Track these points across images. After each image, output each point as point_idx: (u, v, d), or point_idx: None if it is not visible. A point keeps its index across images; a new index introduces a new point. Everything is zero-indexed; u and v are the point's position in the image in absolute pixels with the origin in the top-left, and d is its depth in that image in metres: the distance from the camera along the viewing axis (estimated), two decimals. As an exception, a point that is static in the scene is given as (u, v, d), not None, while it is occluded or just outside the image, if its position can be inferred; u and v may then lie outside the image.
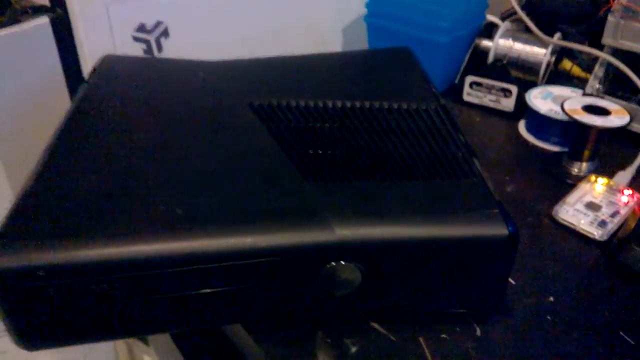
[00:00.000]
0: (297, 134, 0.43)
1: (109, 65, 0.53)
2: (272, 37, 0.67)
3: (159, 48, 0.59)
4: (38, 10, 0.57)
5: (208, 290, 0.34)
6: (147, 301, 0.34)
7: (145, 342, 0.75)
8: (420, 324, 0.39)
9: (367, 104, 0.46)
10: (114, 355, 0.75)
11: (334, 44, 0.75)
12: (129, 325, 0.35)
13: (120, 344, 0.77)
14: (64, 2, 0.54)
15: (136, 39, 0.57)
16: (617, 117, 0.53)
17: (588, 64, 0.72)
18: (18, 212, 0.34)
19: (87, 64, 0.55)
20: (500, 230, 0.35)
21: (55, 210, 0.35)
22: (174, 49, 0.60)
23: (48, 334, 0.34)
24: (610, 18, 0.59)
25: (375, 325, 0.39)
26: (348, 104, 0.46)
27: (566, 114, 0.54)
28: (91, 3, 0.53)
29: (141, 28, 0.57)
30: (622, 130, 0.54)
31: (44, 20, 0.53)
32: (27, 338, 0.34)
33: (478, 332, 0.39)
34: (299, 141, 0.42)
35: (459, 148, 0.42)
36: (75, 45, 0.55)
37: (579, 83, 0.71)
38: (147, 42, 0.58)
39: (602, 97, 0.58)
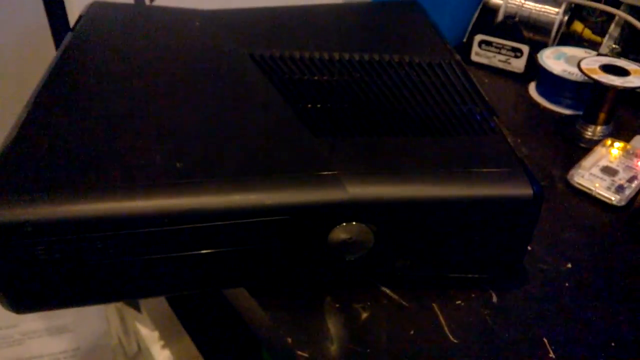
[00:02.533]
0: (303, 86, 0.40)
1: (97, 12, 0.49)
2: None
3: (151, -3, 0.55)
4: (20, -47, 0.52)
5: (209, 251, 0.32)
6: (143, 262, 0.31)
7: (138, 309, 0.73)
8: (433, 289, 0.37)
9: (376, 57, 0.43)
10: (106, 323, 0.73)
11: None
12: (124, 288, 0.33)
13: (111, 311, 0.75)
14: (48, -56, 0.50)
15: (127, -14, 0.53)
16: (637, 77, 0.50)
17: (601, 26, 0.69)
18: (1, 165, 0.31)
19: (74, 11, 0.51)
20: (524, 189, 0.33)
21: (42, 163, 0.32)
22: (167, -1, 0.56)
23: (37, 296, 0.31)
24: (630, -27, 0.56)
25: (387, 291, 0.37)
26: (356, 57, 0.43)
27: (584, 73, 0.51)
28: (77, -56, 0.49)
29: (132, -26, 0.53)
30: (636, 93, 0.51)
31: (26, -38, 0.49)
32: (15, 300, 0.31)
33: (494, 299, 0.37)
34: (305, 94, 0.39)
35: (477, 104, 0.39)
36: (61, -10, 0.51)
37: (589, 46, 0.68)
38: (138, -11, 0.54)
39: (618, 58, 0.56)
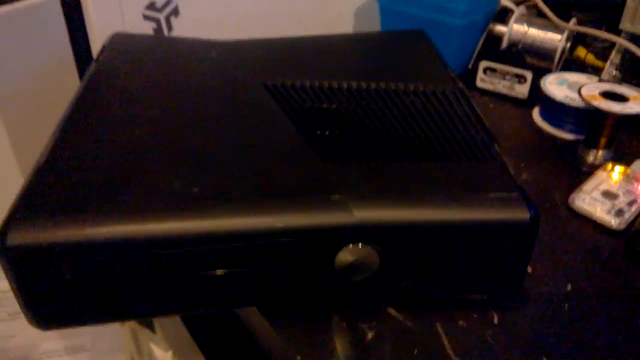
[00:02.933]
0: (313, 114, 0.42)
1: (119, 43, 0.52)
2: (284, 16, 0.66)
3: (169, 27, 0.58)
4: (46, -14, 0.55)
5: (223, 271, 0.34)
6: (160, 281, 0.33)
7: (152, 329, 0.75)
8: (437, 310, 0.38)
9: (383, 85, 0.45)
10: (122, 342, 0.75)
11: (346, 26, 0.73)
12: (142, 306, 0.34)
13: (126, 331, 0.76)
14: (73, -22, 0.53)
15: (146, 17, 0.56)
16: (636, 103, 0.52)
17: (603, 51, 0.71)
18: (30, 190, 0.34)
19: (97, 42, 0.54)
20: (521, 213, 0.34)
21: (68, 187, 0.34)
22: (184, 29, 0.59)
23: (61, 313, 0.33)
24: (629, 2, 0.58)
25: (392, 311, 0.38)
26: (364, 85, 0.45)
27: (583, 99, 0.53)
28: (101, -21, 0.52)
29: (151, 6, 0.56)
30: (638, 118, 0.53)
31: (52, -4, 0.52)
32: (41, 317, 0.33)
33: (495, 320, 0.38)
34: (315, 121, 0.41)
35: (478, 131, 0.41)
36: (85, 22, 0.54)
37: (593, 71, 0.70)
38: (157, 20, 0.57)
39: (619, 84, 0.57)
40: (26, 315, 0.34)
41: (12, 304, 0.63)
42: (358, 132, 0.40)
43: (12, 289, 0.32)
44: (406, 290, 0.37)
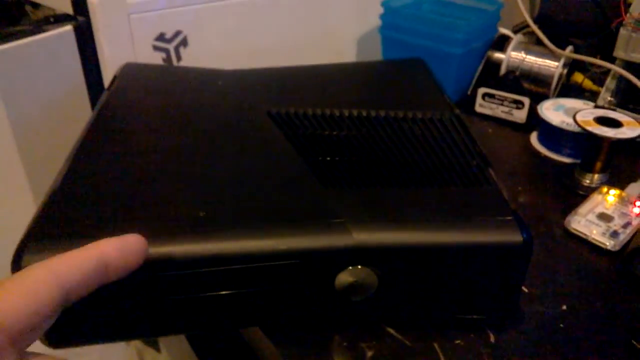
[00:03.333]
0: (314, 141, 0.44)
1: (130, 72, 0.54)
2: (289, 47, 0.69)
3: (178, 57, 0.60)
4: (60, 19, 0.58)
5: (227, 292, 0.35)
6: (167, 302, 0.35)
7: (157, 349, 0.76)
8: (434, 329, 0.39)
9: (382, 113, 0.47)
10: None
11: (349, 55, 0.76)
12: (150, 326, 0.36)
13: (131, 351, 0.78)
14: (87, 11, 0.55)
15: (156, 48, 0.59)
16: (629, 128, 0.54)
17: (600, 77, 0.72)
18: (44, 214, 0.35)
19: (108, 71, 0.56)
20: (514, 237, 0.36)
21: (81, 212, 0.36)
22: (192, 59, 0.61)
23: (72, 333, 0.35)
24: (622, 31, 0.60)
25: (391, 330, 0.39)
26: (364, 113, 0.47)
27: (578, 125, 0.54)
28: (113, 12, 0.55)
29: (161, 37, 0.59)
30: (634, 142, 0.54)
31: (67, 28, 0.54)
32: (52, 336, 0.35)
33: (492, 339, 0.39)
34: (316, 148, 0.43)
35: (474, 157, 0.42)
36: (97, 53, 0.56)
37: (590, 96, 0.72)
38: (166, 51, 0.59)
39: (614, 109, 0.59)
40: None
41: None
42: (358, 158, 0.42)
43: (27, 308, 0.34)
44: (404, 310, 0.38)
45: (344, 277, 0.36)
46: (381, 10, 0.70)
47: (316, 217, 0.36)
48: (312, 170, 0.40)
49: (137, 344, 0.77)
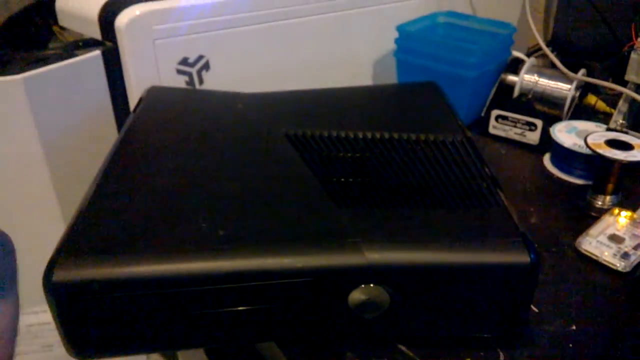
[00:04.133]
0: (330, 162, 0.45)
1: (155, 95, 0.56)
2: (306, 71, 0.71)
3: (200, 80, 0.63)
4: (89, 44, 0.61)
5: (244, 308, 0.37)
6: (188, 316, 0.36)
7: (175, 361, 0.77)
8: (445, 347, 0.40)
9: (395, 135, 0.48)
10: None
11: (366, 77, 0.78)
12: (171, 339, 0.38)
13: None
14: (114, 37, 0.58)
15: (179, 72, 0.61)
16: (640, 151, 0.54)
17: (612, 99, 0.73)
18: (73, 231, 0.38)
19: (134, 94, 0.59)
20: (522, 257, 0.37)
21: (108, 229, 0.38)
22: (214, 82, 0.64)
23: (98, 345, 0.37)
24: (633, 55, 0.61)
25: (402, 347, 0.41)
26: (377, 135, 0.48)
27: (589, 148, 0.55)
28: (140, 38, 0.57)
29: (184, 61, 0.61)
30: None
31: (96, 53, 0.57)
32: (80, 349, 0.37)
33: (502, 358, 0.40)
34: (331, 169, 0.44)
35: (484, 179, 0.44)
36: (124, 76, 0.59)
37: (603, 118, 0.73)
38: (189, 74, 0.62)
39: (625, 132, 0.60)
40: (66, 345, 0.37)
41: (46, 335, 0.66)
42: (371, 179, 0.44)
43: (55, 320, 0.36)
44: (415, 328, 0.40)
45: (357, 295, 0.37)
46: (396, 34, 0.71)
47: (330, 237, 0.38)
48: (327, 191, 0.42)
49: (156, 357, 0.79)
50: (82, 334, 0.36)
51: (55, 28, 0.73)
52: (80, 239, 0.37)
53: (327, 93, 0.58)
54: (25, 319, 0.66)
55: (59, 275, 0.34)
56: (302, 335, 0.40)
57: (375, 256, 0.37)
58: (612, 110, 0.69)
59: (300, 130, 0.49)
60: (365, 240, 0.37)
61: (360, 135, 0.49)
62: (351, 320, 0.38)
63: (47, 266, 0.35)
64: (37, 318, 0.66)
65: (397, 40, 0.72)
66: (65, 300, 0.34)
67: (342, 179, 0.44)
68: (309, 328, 0.39)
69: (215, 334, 0.38)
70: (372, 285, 0.37)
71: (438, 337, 0.41)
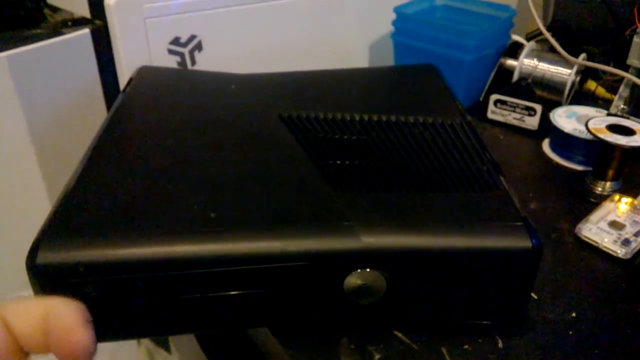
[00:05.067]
0: (325, 144, 0.44)
1: (145, 76, 0.55)
2: (302, 52, 0.69)
3: (193, 61, 0.61)
4: (78, 22, 0.59)
5: (236, 293, 0.35)
6: (178, 301, 0.35)
7: (168, 349, 0.76)
8: (442, 334, 0.39)
9: (393, 118, 0.47)
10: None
11: (360, 60, 0.76)
12: (160, 324, 0.36)
13: (142, 351, 0.78)
14: (104, 15, 0.56)
15: (171, 52, 0.59)
16: (642, 137, 0.53)
17: (613, 85, 0.72)
18: (59, 212, 0.36)
19: (124, 74, 0.57)
20: (523, 242, 0.36)
21: (95, 210, 0.36)
22: (206, 63, 0.62)
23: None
24: (635, 39, 0.60)
25: (399, 334, 0.40)
26: (374, 118, 0.47)
27: (590, 132, 0.54)
28: (130, 16, 0.56)
29: (176, 41, 0.59)
30: (647, 150, 0.54)
31: (85, 31, 0.55)
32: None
33: (500, 345, 0.39)
34: (327, 152, 0.43)
35: (484, 162, 0.42)
36: (113, 56, 0.57)
37: (603, 104, 0.72)
38: (181, 55, 0.60)
39: (626, 117, 0.59)
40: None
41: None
42: (368, 162, 0.42)
43: (40, 305, 0.34)
44: (412, 314, 0.38)
45: (353, 280, 0.36)
46: (393, 16, 0.70)
47: (326, 220, 0.37)
48: (322, 174, 0.41)
49: (148, 344, 0.77)
50: (68, 319, 0.35)
51: (46, 11, 0.71)
52: (66, 220, 0.35)
53: (323, 75, 0.57)
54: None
55: (43, 257, 0.33)
56: (296, 321, 0.39)
57: (371, 240, 0.35)
58: (612, 97, 0.68)
59: (295, 112, 0.48)
60: (361, 223, 0.36)
61: (357, 117, 0.47)
62: (346, 306, 0.37)
63: (31, 247, 0.33)
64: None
65: (394, 22, 0.70)
66: (49, 283, 0.33)
67: (338, 162, 0.42)
68: (302, 314, 0.38)
69: (206, 320, 0.37)
70: (368, 270, 0.36)
71: (435, 324, 0.40)
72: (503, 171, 0.42)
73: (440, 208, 0.38)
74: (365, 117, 0.47)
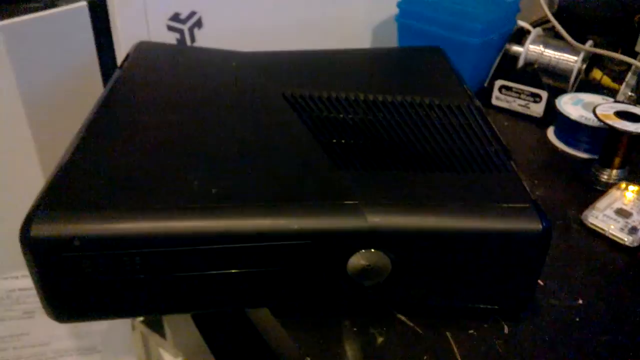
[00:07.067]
0: (330, 123, 0.43)
1: (143, 51, 0.53)
2: (304, 31, 0.68)
3: (192, 38, 0.60)
4: (76, -4, 0.58)
5: (237, 271, 0.34)
6: (176, 278, 0.34)
7: (162, 335, 0.76)
8: (447, 318, 0.38)
9: (399, 98, 0.46)
10: (132, 345, 0.75)
11: (364, 42, 0.75)
12: (157, 302, 0.35)
13: (137, 336, 0.77)
14: (102, -12, 0.55)
15: (170, 28, 0.58)
16: (651, 124, 0.52)
17: (619, 74, 0.71)
18: (53, 185, 0.35)
19: (121, 50, 0.56)
20: (533, 224, 0.35)
21: (91, 183, 0.35)
22: (206, 40, 0.60)
23: (78, 307, 0.34)
24: (645, 26, 0.59)
25: (402, 317, 0.39)
26: (380, 98, 0.46)
27: (598, 118, 0.53)
28: (128, -10, 0.54)
29: (175, 17, 0.58)
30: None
31: (82, 4, 0.54)
32: (58, 309, 0.34)
33: (506, 330, 0.38)
34: (331, 131, 0.42)
35: (493, 145, 0.41)
36: (111, 30, 0.55)
37: (608, 93, 0.70)
38: (180, 31, 0.59)
39: (634, 105, 0.58)
40: (45, 307, 0.34)
41: (28, 302, 0.64)
42: (373, 142, 0.41)
43: (33, 279, 0.33)
44: (417, 297, 0.37)
45: (357, 261, 0.35)
46: (397, -3, 0.68)
47: (330, 198, 0.35)
48: (326, 152, 0.39)
49: (142, 329, 0.76)
50: (62, 295, 0.34)
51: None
52: (61, 193, 0.34)
53: (327, 54, 0.55)
54: (6, 284, 0.64)
55: (37, 230, 0.31)
56: (297, 302, 0.38)
57: (377, 219, 0.34)
58: (618, 86, 0.67)
59: (298, 91, 0.46)
60: (366, 202, 0.35)
61: (362, 97, 0.46)
62: (350, 288, 0.36)
63: (25, 220, 0.32)
64: (18, 283, 0.63)
65: (399, 4, 0.69)
66: (43, 257, 0.32)
67: (343, 141, 0.41)
68: (304, 295, 0.37)
69: (204, 299, 0.36)
70: (372, 250, 0.35)
71: (440, 308, 0.39)
72: (511, 153, 0.41)
73: (448, 188, 0.37)
74: (371, 97, 0.46)
